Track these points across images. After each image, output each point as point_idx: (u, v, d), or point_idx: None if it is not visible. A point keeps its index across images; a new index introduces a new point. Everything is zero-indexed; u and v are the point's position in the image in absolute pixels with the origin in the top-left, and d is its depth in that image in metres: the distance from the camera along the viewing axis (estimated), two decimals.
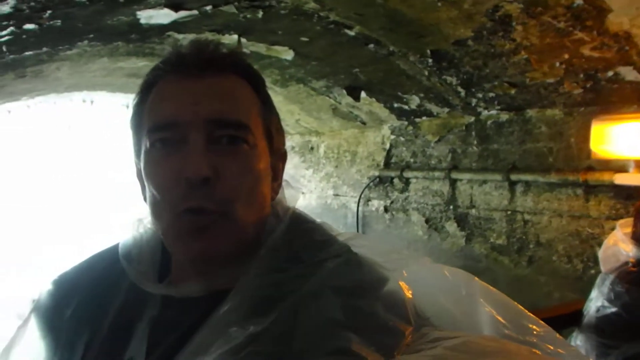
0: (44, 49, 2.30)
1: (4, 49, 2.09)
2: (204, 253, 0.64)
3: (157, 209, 0.66)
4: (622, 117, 1.85)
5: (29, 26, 1.93)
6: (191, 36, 2.44)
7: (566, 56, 1.90)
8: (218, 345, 0.56)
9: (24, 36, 2.01)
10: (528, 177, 2.28)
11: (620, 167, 1.91)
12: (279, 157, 0.73)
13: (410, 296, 0.61)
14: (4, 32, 1.92)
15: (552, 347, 0.59)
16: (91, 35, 2.30)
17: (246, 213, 0.64)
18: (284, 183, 0.74)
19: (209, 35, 2.49)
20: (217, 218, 0.62)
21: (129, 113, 0.72)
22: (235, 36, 2.51)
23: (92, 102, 4.94)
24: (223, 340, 0.56)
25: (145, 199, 0.71)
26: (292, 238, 0.67)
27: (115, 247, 0.75)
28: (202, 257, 0.65)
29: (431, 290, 0.65)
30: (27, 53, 2.28)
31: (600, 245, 2.02)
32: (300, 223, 0.71)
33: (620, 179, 1.88)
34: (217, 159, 0.62)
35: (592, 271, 2.05)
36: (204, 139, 0.62)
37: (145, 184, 0.68)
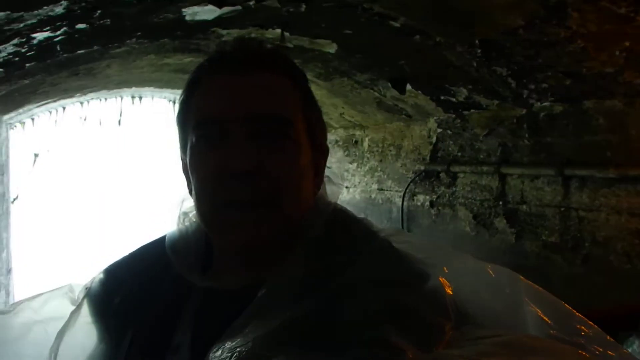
0: (95, 47, 2.40)
1: (59, 48, 2.19)
2: (246, 246, 0.66)
3: (202, 202, 0.68)
4: None
5: (80, 26, 2.01)
6: (235, 31, 2.50)
7: (627, 44, 1.80)
8: (254, 327, 0.57)
9: (76, 35, 2.10)
10: (584, 172, 2.18)
11: None
12: (321, 153, 0.74)
13: (451, 292, 0.61)
14: (58, 32, 2.01)
15: (600, 349, 0.57)
16: (139, 33, 2.37)
17: (288, 207, 0.66)
18: (325, 179, 0.75)
19: (252, 30, 2.52)
20: (260, 211, 0.64)
21: (175, 109, 0.77)
22: (279, 30, 2.53)
23: (140, 98, 5.12)
24: (260, 324, 0.57)
25: (190, 193, 0.74)
26: (333, 232, 0.68)
27: (162, 239, 0.78)
28: (244, 250, 0.67)
29: (473, 287, 0.65)
30: (79, 52, 2.38)
31: None
32: (342, 218, 0.72)
33: None
34: (260, 153, 0.63)
35: None
36: (247, 133, 0.64)
37: (191, 177, 0.70)
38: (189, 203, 0.78)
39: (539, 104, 2.38)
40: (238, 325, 0.59)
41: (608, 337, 0.60)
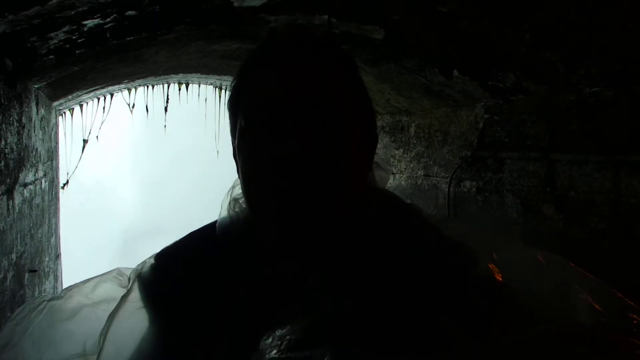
0: (144, 34, 2.46)
1: (108, 35, 2.24)
2: (296, 230, 0.67)
3: (250, 188, 0.70)
4: None
5: (130, 12, 2.04)
6: (283, 17, 2.54)
7: None
8: (306, 317, 0.59)
9: (126, 22, 2.14)
10: (636, 158, 2.19)
11: None
12: (370, 140, 0.75)
13: (501, 279, 0.62)
14: (108, 19, 2.04)
15: None
16: (187, 19, 2.44)
17: (338, 193, 0.66)
18: (374, 165, 0.77)
19: (299, 17, 2.55)
20: (310, 198, 0.65)
21: (227, 95, 0.80)
22: (326, 16, 2.55)
23: (187, 84, 5.23)
24: (312, 313, 0.59)
25: (239, 178, 0.75)
26: (382, 220, 0.70)
27: (212, 225, 0.79)
28: (295, 235, 0.68)
29: (523, 274, 0.66)
30: (128, 38, 2.41)
31: None
32: (391, 205, 0.74)
33: None
34: (310, 140, 0.64)
35: None
36: (297, 119, 0.65)
37: (240, 163, 0.72)
38: (239, 189, 0.79)
39: (588, 89, 2.40)
40: (289, 313, 0.60)
41: None
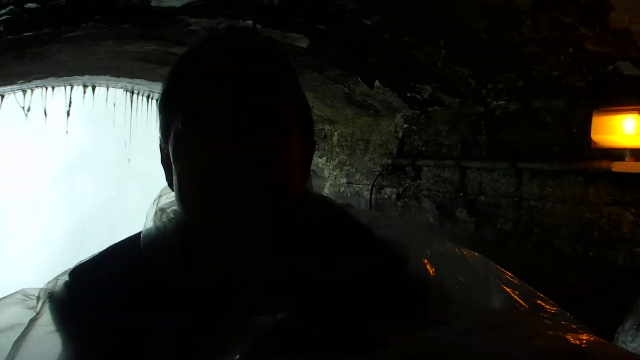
0: (46, 30, 2.28)
1: (2, 28, 2.05)
2: (238, 237, 0.66)
3: (187, 193, 0.67)
4: (620, 108, 2.10)
5: (30, 5, 1.89)
6: (204, 20, 2.51)
7: (571, 50, 2.12)
8: (247, 333, 0.58)
9: (25, 15, 1.98)
10: (534, 165, 2.53)
11: (617, 155, 2.16)
12: (309, 147, 0.76)
13: (433, 274, 0.66)
14: (3, 11, 1.88)
15: (564, 324, 0.62)
16: (97, 17, 2.29)
17: (279, 199, 0.66)
18: (311, 172, 0.78)
19: (222, 21, 2.52)
20: (251, 203, 0.64)
21: (159, 95, 0.74)
22: (250, 22, 2.54)
23: (93, 87, 4.91)
24: (251, 329, 0.58)
25: (170, 185, 0.73)
26: (318, 223, 0.72)
27: (136, 237, 0.75)
28: (237, 241, 0.67)
29: (452, 269, 0.70)
30: (26, 34, 2.23)
31: (598, 229, 2.29)
32: (326, 209, 0.76)
33: (617, 167, 2.14)
34: (252, 143, 0.64)
35: (591, 254, 2.31)
36: (241, 122, 0.64)
37: (174, 167, 0.69)
38: (166, 199, 0.77)
39: (495, 102, 2.72)
40: (225, 332, 0.60)
41: (568, 314, 0.66)
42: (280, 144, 0.67)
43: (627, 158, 2.11)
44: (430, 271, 0.67)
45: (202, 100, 0.66)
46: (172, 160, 0.69)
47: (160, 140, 0.74)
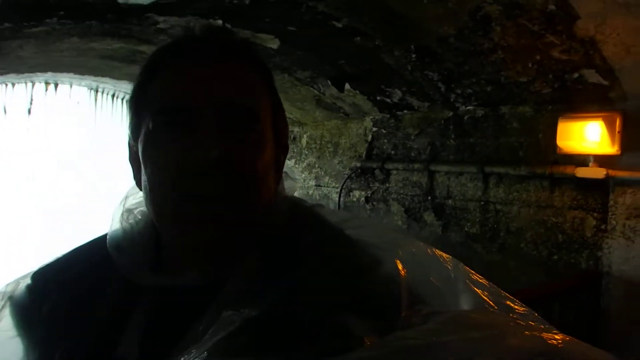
0: (6, 25, 2.25)
1: None
2: (209, 240, 0.64)
3: (157, 194, 0.66)
4: (584, 115, 2.14)
5: None
6: (173, 19, 2.49)
7: (538, 57, 2.16)
8: (213, 331, 0.56)
9: None
10: (500, 170, 2.56)
11: (581, 161, 2.21)
12: (282, 149, 0.75)
13: (405, 275, 0.65)
14: None
15: (532, 323, 0.62)
16: (62, 12, 2.25)
17: (251, 202, 0.65)
18: (283, 174, 0.77)
19: (191, 20, 2.49)
20: (222, 206, 0.63)
21: (130, 93, 0.72)
22: (220, 21, 2.54)
23: (56, 84, 4.83)
24: (218, 326, 0.57)
25: (138, 184, 0.71)
26: (290, 224, 0.71)
27: (101, 239, 0.74)
28: (203, 246, 0.65)
29: (423, 270, 0.69)
30: None
31: (562, 233, 2.32)
32: (298, 210, 0.74)
33: (581, 172, 2.18)
34: (227, 145, 0.62)
35: (555, 257, 2.35)
36: (215, 124, 0.63)
37: (143, 167, 0.67)
38: (133, 200, 0.76)
39: (464, 107, 2.75)
40: (193, 333, 0.58)
41: (536, 314, 0.67)
42: (254, 147, 0.65)
43: (590, 164, 2.15)
44: (402, 272, 0.66)
45: (174, 100, 0.65)
46: (141, 159, 0.67)
47: (129, 138, 0.72)
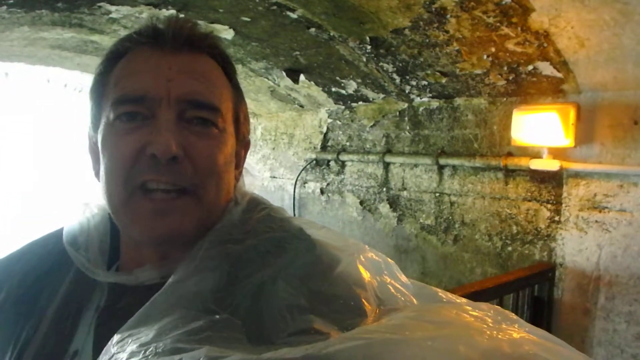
0: None
1: None
2: (166, 234, 0.62)
3: (114, 185, 0.63)
4: (538, 107, 2.08)
5: None
6: (125, 9, 2.38)
7: (493, 49, 2.10)
8: (175, 324, 0.54)
9: None
10: (455, 162, 2.49)
11: (535, 153, 2.16)
12: (243, 145, 0.73)
13: (369, 278, 0.64)
14: None
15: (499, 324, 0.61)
16: (11, 1, 2.17)
17: (212, 196, 0.64)
18: (243, 170, 0.75)
19: (144, 9, 2.41)
20: (181, 200, 0.61)
21: (90, 82, 0.69)
22: (173, 11, 2.44)
23: (6, 74, 4.66)
24: (181, 322, 0.54)
25: (97, 175, 0.68)
26: (248, 218, 0.68)
27: (58, 233, 0.72)
28: (164, 239, 0.63)
29: (378, 271, 0.68)
30: None
31: (517, 224, 2.27)
32: (256, 205, 0.72)
33: (535, 164, 2.13)
34: (186, 139, 0.61)
35: (510, 248, 2.30)
36: (175, 117, 0.61)
37: (102, 158, 0.65)
38: (90, 193, 0.73)
39: (419, 99, 2.66)
40: (144, 313, 0.55)
41: (499, 308, 0.66)
42: (213, 141, 0.64)
43: (544, 156, 2.10)
44: (365, 275, 0.64)
45: (135, 90, 0.62)
46: (100, 150, 0.65)
47: (89, 128, 0.69)
